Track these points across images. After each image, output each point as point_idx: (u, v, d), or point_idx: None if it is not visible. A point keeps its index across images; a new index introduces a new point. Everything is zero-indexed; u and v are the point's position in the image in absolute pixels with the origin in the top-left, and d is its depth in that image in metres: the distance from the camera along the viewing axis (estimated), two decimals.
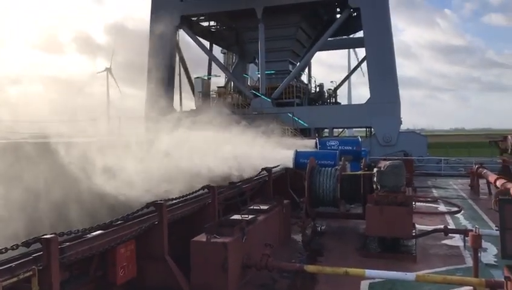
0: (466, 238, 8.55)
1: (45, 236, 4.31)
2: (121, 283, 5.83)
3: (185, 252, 6.44)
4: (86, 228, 5.22)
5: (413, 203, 9.33)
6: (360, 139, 15.68)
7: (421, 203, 13.60)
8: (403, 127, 32.41)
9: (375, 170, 8.86)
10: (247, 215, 7.53)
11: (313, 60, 41.05)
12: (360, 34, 34.47)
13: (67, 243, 4.79)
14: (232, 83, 38.21)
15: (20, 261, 4.11)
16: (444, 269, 7.42)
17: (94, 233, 5.32)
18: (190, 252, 6.33)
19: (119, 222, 5.81)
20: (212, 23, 38.92)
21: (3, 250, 3.94)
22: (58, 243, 4.47)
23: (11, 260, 4.12)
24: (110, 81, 69.85)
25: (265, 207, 8.47)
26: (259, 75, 33.86)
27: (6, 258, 4.20)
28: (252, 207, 8.48)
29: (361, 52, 36.77)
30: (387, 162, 8.79)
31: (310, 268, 6.57)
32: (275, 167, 11.57)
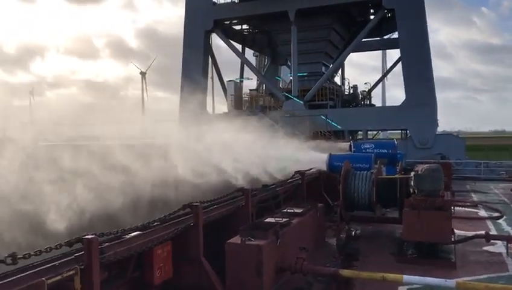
0: (509, 245, 8.26)
1: (86, 236, 4.44)
2: (157, 284, 5.93)
3: (219, 254, 6.48)
4: (125, 229, 5.34)
5: (452, 207, 9.06)
6: (396, 142, 15.37)
7: (460, 208, 13.19)
8: (439, 129, 31.58)
9: (412, 173, 8.67)
10: (281, 218, 7.52)
11: (345, 62, 40.59)
12: (394, 35, 33.89)
13: (107, 244, 4.91)
14: (264, 85, 38.28)
15: (63, 260, 4.23)
16: (485, 276, 7.17)
17: (132, 234, 5.43)
18: (225, 254, 6.36)
19: (156, 223, 5.91)
20: (244, 26, 39.18)
21: (48, 249, 4.08)
22: (99, 243, 4.59)
23: (55, 259, 4.25)
24: (142, 85, 71.40)
25: (299, 210, 8.42)
26: (291, 78, 33.79)
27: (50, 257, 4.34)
28: (285, 210, 8.46)
29: (395, 53, 36.07)
30: (425, 166, 8.58)
31: (345, 273, 6.49)
32: (309, 170, 11.51)
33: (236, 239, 6.46)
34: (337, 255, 8.64)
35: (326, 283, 6.81)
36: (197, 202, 6.53)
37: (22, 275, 3.85)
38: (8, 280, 3.73)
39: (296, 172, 10.92)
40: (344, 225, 10.06)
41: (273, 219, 7.51)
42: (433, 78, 28.66)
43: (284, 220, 7.45)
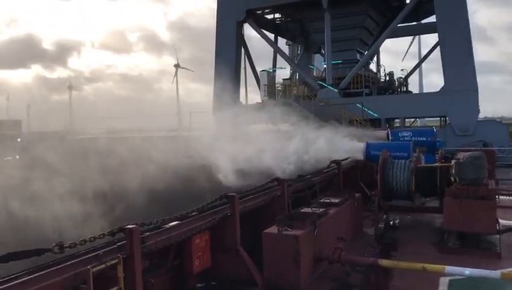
0: None
1: (128, 226, 4.56)
2: (196, 272, 6.04)
3: (256, 243, 6.52)
4: (164, 218, 5.45)
5: (497, 196, 8.74)
6: (435, 130, 14.95)
7: (505, 197, 12.69)
8: (481, 115, 30.44)
9: (453, 161, 8.40)
10: (317, 209, 7.47)
11: (380, 48, 39.64)
12: (432, 18, 32.76)
13: (148, 233, 5.02)
14: (298, 74, 37.98)
15: (106, 250, 4.37)
16: None
17: (171, 224, 5.54)
18: (262, 244, 6.39)
19: (193, 213, 6.00)
20: (276, 15, 38.90)
21: (91, 238, 4.22)
22: (140, 232, 4.70)
23: (99, 248, 4.40)
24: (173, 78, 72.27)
25: (336, 200, 8.34)
26: (325, 66, 33.35)
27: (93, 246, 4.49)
28: (322, 200, 8.39)
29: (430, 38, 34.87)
30: (467, 153, 8.30)
31: (385, 263, 6.39)
32: (345, 159, 11.37)
33: (273, 229, 6.47)
34: (375, 245, 8.53)
35: (365, 273, 6.75)
36: (233, 193, 6.58)
37: (68, 263, 4.01)
38: (56, 267, 3.89)
39: (332, 161, 10.81)
40: (382, 214, 9.91)
41: (309, 209, 7.47)
42: (473, 62, 27.56)
43: (321, 210, 7.40)
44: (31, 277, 3.65)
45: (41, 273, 3.74)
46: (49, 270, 3.82)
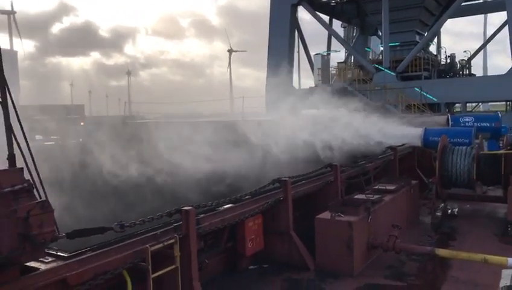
0: None
1: (184, 208, 4.71)
2: (249, 255, 6.15)
3: (308, 229, 6.52)
4: (219, 201, 5.57)
5: None
6: (499, 115, 14.11)
7: None
8: None
9: None
10: (372, 195, 7.33)
11: (441, 29, 37.75)
12: None
13: (203, 215, 5.17)
14: (353, 57, 37.05)
15: (164, 230, 4.55)
16: None
17: (225, 206, 5.66)
18: (315, 230, 6.38)
19: (247, 197, 6.09)
20: None
21: (150, 219, 4.40)
22: (195, 214, 4.85)
23: (156, 228, 4.58)
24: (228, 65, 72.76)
25: (392, 187, 8.13)
26: (382, 48, 32.30)
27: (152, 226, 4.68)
28: (377, 187, 8.22)
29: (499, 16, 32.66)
30: None
31: (442, 252, 6.18)
32: (401, 145, 11.03)
33: (326, 215, 6.43)
34: (433, 234, 8.26)
35: (421, 262, 6.57)
36: (286, 177, 6.60)
37: (128, 241, 4.22)
38: (117, 245, 4.10)
39: (388, 147, 10.53)
40: (440, 202, 9.55)
41: (363, 195, 7.36)
42: None
43: (375, 196, 7.26)
44: (94, 253, 3.88)
45: (103, 250, 3.96)
46: (111, 247, 4.04)
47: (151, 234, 4.43)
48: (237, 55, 79.33)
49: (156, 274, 4.18)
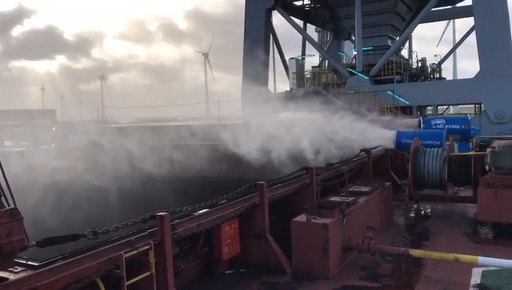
0: None
1: (159, 213, 4.65)
2: (225, 259, 6.12)
3: (285, 231, 6.54)
4: (194, 206, 5.53)
5: None
6: (469, 117, 14.51)
7: None
8: None
9: (488, 150, 8.15)
10: (346, 197, 7.42)
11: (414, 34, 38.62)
12: (467, 1, 31.64)
13: (178, 220, 5.12)
14: (327, 61, 37.48)
15: (138, 236, 4.48)
16: None
17: (201, 211, 5.62)
18: (291, 232, 6.41)
19: (223, 201, 6.07)
20: (306, 1, 38.39)
21: (124, 225, 4.33)
22: (170, 220, 4.80)
23: (131, 234, 4.51)
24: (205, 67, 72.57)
25: (366, 189, 8.25)
26: (355, 52, 32.79)
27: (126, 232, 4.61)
28: (351, 189, 8.32)
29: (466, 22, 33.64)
30: (503, 142, 8.03)
31: (416, 253, 6.31)
32: (375, 147, 11.20)
33: (302, 217, 6.47)
34: (406, 235, 8.41)
35: (395, 263, 6.67)
36: (262, 181, 6.61)
37: (102, 248, 4.13)
38: (90, 253, 4.02)
39: (362, 150, 10.67)
40: (413, 204, 9.75)
41: (338, 197, 7.43)
42: (511, 45, 26.48)
43: (350, 199, 7.34)
44: (66, 261, 3.79)
45: (76, 258, 3.87)
46: (83, 255, 3.95)
47: (125, 240, 4.36)
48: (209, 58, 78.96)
49: (131, 281, 4.11)
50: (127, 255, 4.10)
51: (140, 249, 4.29)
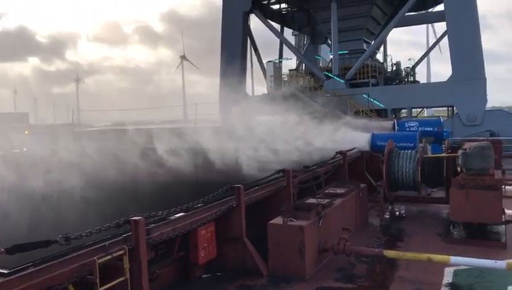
0: None
1: (133, 218, 4.60)
2: (202, 263, 6.10)
3: (262, 234, 6.56)
4: (169, 210, 5.49)
5: (503, 186, 8.69)
6: (442, 120, 14.85)
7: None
8: (488, 105, 30.08)
9: (459, 151, 8.36)
10: (323, 199, 7.49)
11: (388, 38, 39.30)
12: (439, 7, 32.39)
13: (153, 225, 5.07)
14: (304, 65, 37.76)
15: (112, 241, 4.42)
16: None
17: (176, 215, 5.58)
18: (267, 235, 6.43)
19: (199, 205, 6.04)
20: (283, 5, 38.61)
21: (98, 230, 4.26)
22: (145, 224, 4.75)
23: (105, 239, 4.44)
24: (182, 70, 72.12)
25: (342, 191, 8.34)
26: (331, 56, 33.14)
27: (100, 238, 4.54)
28: (327, 191, 8.40)
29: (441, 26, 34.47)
30: (473, 144, 8.25)
31: (390, 253, 6.41)
32: (350, 150, 11.34)
33: (278, 220, 6.50)
34: (381, 236, 8.54)
35: (370, 264, 6.76)
36: (238, 184, 6.61)
37: (74, 254, 4.06)
38: (62, 259, 3.94)
39: (338, 152, 10.79)
40: (388, 205, 9.90)
41: (314, 199, 7.49)
42: (481, 50, 27.23)
43: (326, 200, 7.41)
44: (37, 268, 3.70)
45: (47, 264, 3.78)
46: (55, 261, 3.87)
47: (99, 245, 4.29)
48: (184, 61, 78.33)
49: (105, 287, 4.05)
50: (100, 260, 4.04)
51: (114, 254, 4.23)
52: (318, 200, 7.41)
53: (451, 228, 8.44)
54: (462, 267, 6.30)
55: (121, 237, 4.55)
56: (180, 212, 5.65)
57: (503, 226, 8.10)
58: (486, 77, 26.89)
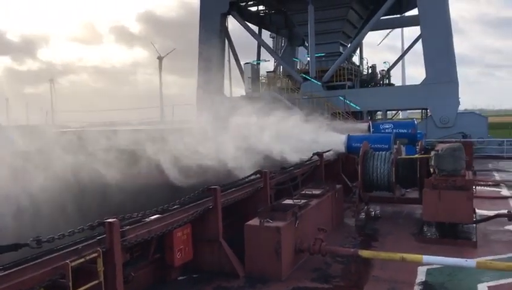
0: None
1: (108, 220, 4.53)
2: (178, 265, 6.05)
3: (239, 236, 6.56)
4: (145, 212, 5.43)
5: (474, 187, 8.93)
6: (415, 122, 15.15)
7: (482, 187, 13.00)
8: (460, 108, 30.85)
9: (432, 153, 8.55)
10: (299, 200, 7.54)
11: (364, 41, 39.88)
12: (413, 11, 33.07)
13: (128, 227, 5.00)
14: (282, 67, 37.96)
15: (86, 243, 4.34)
16: (506, 256, 7.07)
17: (152, 217, 5.53)
18: (244, 236, 6.43)
19: (175, 207, 6.00)
20: (260, 7, 38.73)
21: (71, 233, 4.19)
22: (120, 226, 4.69)
23: (78, 242, 4.37)
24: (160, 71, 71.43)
25: (318, 192, 8.42)
26: (309, 59, 33.42)
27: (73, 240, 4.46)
28: (304, 192, 8.46)
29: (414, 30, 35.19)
30: (446, 145, 8.46)
31: (365, 253, 6.50)
32: (327, 151, 11.46)
33: (255, 221, 6.51)
34: (356, 236, 8.65)
35: (345, 264, 6.84)
36: (215, 185, 6.59)
37: (46, 258, 3.97)
38: (34, 262, 3.85)
39: (314, 154, 10.89)
40: (363, 205, 10.05)
41: (291, 200, 7.53)
42: (454, 54, 27.92)
43: (302, 201, 7.47)
44: (7, 272, 3.61)
45: (18, 268, 3.70)
46: (26, 265, 3.78)
47: (72, 248, 4.22)
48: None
49: None
50: (73, 263, 3.97)
51: (88, 257, 4.16)
52: (295, 201, 7.45)
53: (424, 227, 8.61)
54: (435, 266, 6.46)
55: (95, 240, 4.48)
56: (156, 214, 5.60)
57: (474, 225, 8.33)
58: (458, 80, 27.59)
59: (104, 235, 4.52)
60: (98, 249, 4.30)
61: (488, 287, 5.82)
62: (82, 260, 4.10)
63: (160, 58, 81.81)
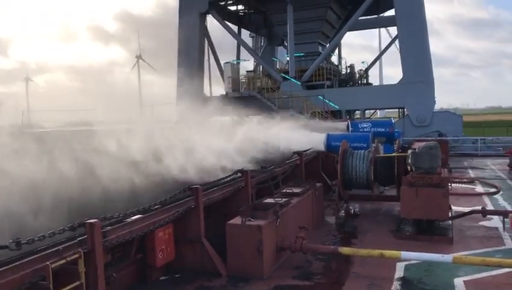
0: (505, 219, 8.37)
1: (89, 221, 4.50)
2: (160, 265, 6.04)
3: (220, 235, 6.58)
4: (126, 212, 5.40)
5: (449, 184, 9.15)
6: (393, 121, 15.41)
7: (457, 185, 13.32)
8: (436, 107, 31.50)
9: (409, 151, 8.73)
10: (280, 199, 7.60)
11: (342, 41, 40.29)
12: (391, 12, 33.59)
13: (109, 227, 4.98)
14: (261, 66, 38.03)
15: (67, 245, 4.31)
16: (481, 251, 7.29)
17: (133, 217, 5.50)
18: (226, 235, 6.46)
19: (157, 207, 5.98)
20: (240, 7, 38.72)
21: (50, 234, 4.14)
22: (101, 227, 4.66)
23: (59, 243, 4.32)
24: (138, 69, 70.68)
25: (298, 190, 8.50)
26: (288, 58, 33.58)
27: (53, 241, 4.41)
28: (284, 190, 8.54)
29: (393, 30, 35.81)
30: (422, 144, 8.64)
31: (345, 250, 6.61)
32: (306, 150, 11.56)
33: (237, 220, 6.54)
34: (336, 233, 8.77)
35: (326, 261, 6.94)
36: (197, 185, 6.60)
37: (26, 259, 3.93)
38: (13, 265, 3.80)
39: (294, 152, 10.98)
40: (343, 203, 10.18)
41: (272, 199, 7.59)
42: (430, 54, 28.49)
43: (283, 200, 7.54)
44: None
45: None
46: (6, 267, 3.73)
47: (52, 250, 4.17)
48: (140, 61, 76.56)
49: None
50: (54, 265, 3.93)
51: (69, 258, 4.13)
52: (276, 199, 7.52)
53: (402, 224, 8.79)
54: (413, 261, 6.62)
55: (76, 241, 4.45)
56: (138, 214, 5.58)
57: (450, 221, 8.55)
58: (434, 80, 28.17)
59: (85, 236, 4.49)
60: (79, 250, 4.27)
61: (464, 281, 5.99)
62: (63, 261, 4.07)
63: (138, 57, 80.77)
